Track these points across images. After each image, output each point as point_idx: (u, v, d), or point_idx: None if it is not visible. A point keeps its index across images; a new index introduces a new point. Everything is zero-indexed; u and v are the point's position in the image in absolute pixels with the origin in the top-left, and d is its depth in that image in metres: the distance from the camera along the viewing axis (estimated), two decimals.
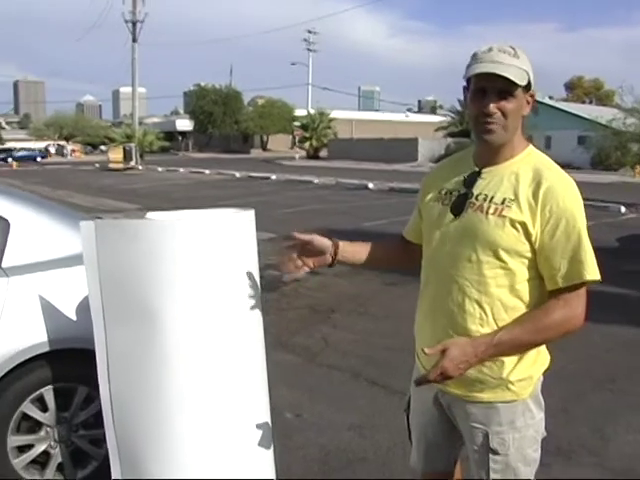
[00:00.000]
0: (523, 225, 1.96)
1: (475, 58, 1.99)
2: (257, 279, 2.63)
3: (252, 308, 2.60)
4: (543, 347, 2.15)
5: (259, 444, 2.65)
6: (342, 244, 2.29)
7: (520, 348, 2.03)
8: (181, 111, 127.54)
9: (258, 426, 2.63)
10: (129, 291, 2.44)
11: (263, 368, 2.66)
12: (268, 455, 2.74)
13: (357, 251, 2.36)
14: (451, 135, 52.13)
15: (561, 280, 1.96)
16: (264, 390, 2.66)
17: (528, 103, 2.03)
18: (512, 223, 1.97)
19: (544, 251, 1.97)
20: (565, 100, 68.02)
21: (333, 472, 3.74)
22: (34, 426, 3.30)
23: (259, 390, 2.60)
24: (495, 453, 2.12)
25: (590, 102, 67.30)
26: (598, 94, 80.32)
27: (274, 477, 2.78)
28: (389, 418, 4.38)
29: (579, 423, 4.31)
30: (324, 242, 2.24)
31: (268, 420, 2.71)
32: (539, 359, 2.13)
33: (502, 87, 1.94)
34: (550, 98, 53.53)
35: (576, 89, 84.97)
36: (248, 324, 2.57)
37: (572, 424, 4.31)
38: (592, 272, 1.95)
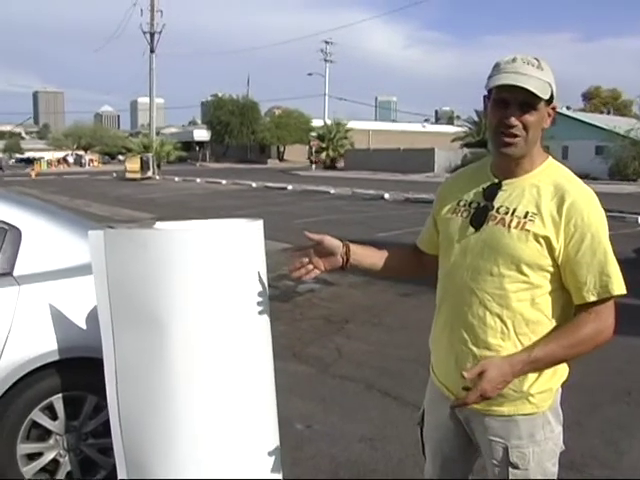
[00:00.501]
0: (546, 239, 1.94)
1: (498, 68, 1.96)
2: (266, 289, 2.62)
3: (260, 318, 2.59)
4: None
5: (266, 454, 2.64)
6: (353, 246, 2.28)
7: (554, 364, 2.02)
8: (199, 121, 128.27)
9: (265, 436, 2.62)
10: (138, 300, 2.44)
11: (271, 377, 2.65)
12: (276, 466, 2.72)
13: (368, 255, 2.34)
14: (468, 145, 52.02)
15: (589, 295, 1.95)
16: (272, 399, 2.65)
17: (549, 116, 2.00)
18: (535, 237, 1.95)
19: (569, 265, 1.95)
20: (582, 110, 67.78)
21: None
22: (44, 434, 3.31)
23: (266, 399, 2.59)
24: (515, 467, 2.09)
25: (608, 112, 66.89)
26: (616, 104, 79.86)
27: None
28: (401, 430, 4.35)
29: (593, 436, 4.26)
30: (334, 242, 2.23)
31: (276, 430, 2.70)
32: (558, 371, 2.10)
33: (524, 99, 1.91)
34: (567, 108, 53.31)
35: (594, 99, 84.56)
36: (256, 334, 2.56)
37: (586, 437, 4.25)
38: (619, 286, 1.95)
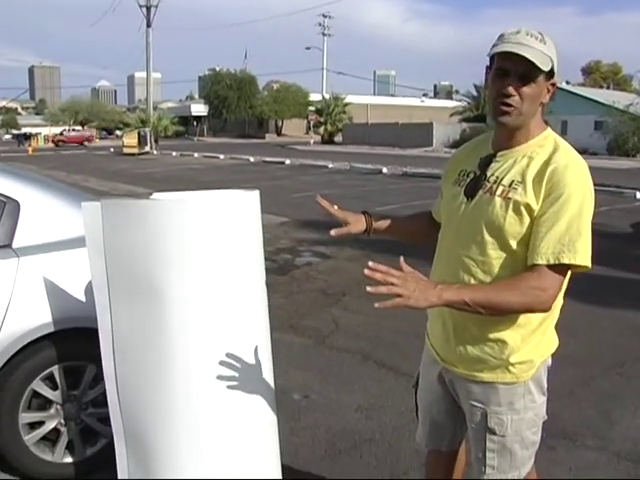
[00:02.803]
0: (527, 207, 1.95)
1: (501, 38, 1.97)
2: (262, 259, 2.65)
3: (257, 288, 2.62)
4: (550, 331, 2.14)
5: (264, 425, 2.68)
6: (375, 224, 2.46)
7: (487, 305, 1.90)
8: (196, 96, 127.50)
9: (263, 406, 2.66)
10: (135, 271, 2.46)
11: (268, 348, 2.68)
12: (272, 434, 2.77)
13: (387, 221, 2.51)
14: (466, 120, 51.82)
15: (538, 257, 1.91)
16: (269, 368, 2.68)
17: (549, 91, 2.01)
18: (516, 205, 1.96)
19: (535, 226, 1.94)
20: (582, 85, 67.40)
21: (340, 453, 3.77)
22: (44, 404, 3.35)
23: (263, 368, 2.61)
24: (492, 433, 2.14)
25: (608, 87, 66.51)
26: (616, 79, 79.38)
27: (278, 455, 2.81)
28: (396, 399, 4.42)
29: (586, 406, 4.32)
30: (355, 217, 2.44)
31: (273, 399, 2.73)
32: (543, 343, 2.12)
33: (524, 71, 1.92)
34: (567, 83, 53.02)
35: (593, 73, 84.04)
36: (252, 303, 2.60)
37: (579, 407, 4.32)
38: (571, 256, 1.88)
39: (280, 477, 2.83)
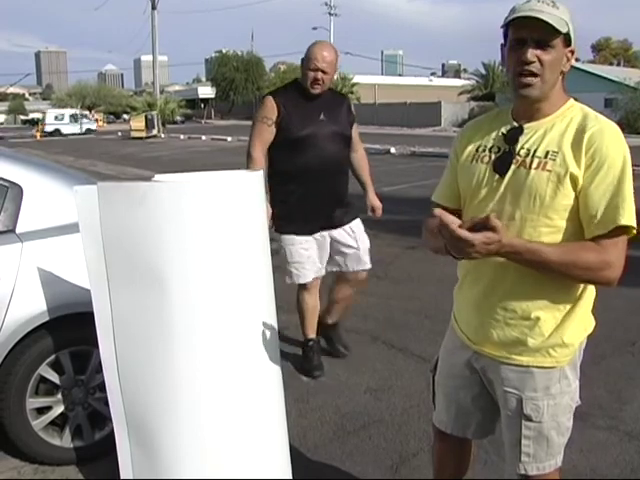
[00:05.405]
0: (570, 176, 1.89)
1: (513, 10, 1.93)
2: (267, 240, 2.61)
3: (260, 270, 2.58)
4: (588, 311, 2.10)
5: (270, 407, 2.66)
6: None
7: (540, 267, 1.90)
8: (203, 78, 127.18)
9: (269, 389, 2.64)
10: (135, 256, 2.42)
11: (274, 329, 2.64)
12: (280, 417, 2.75)
13: None
14: (475, 99, 51.50)
15: (596, 228, 1.88)
16: (275, 350, 2.65)
17: (568, 59, 1.97)
18: (557, 176, 1.90)
19: (582, 198, 1.90)
20: (592, 62, 66.77)
21: (348, 435, 3.75)
22: (52, 389, 3.35)
23: (269, 351, 2.58)
24: (528, 419, 2.09)
25: (618, 64, 65.84)
26: (626, 55, 78.63)
27: (286, 438, 2.80)
28: (405, 381, 4.40)
29: (597, 385, 4.27)
30: None
31: (280, 381, 2.71)
32: (582, 324, 2.08)
33: (540, 36, 1.87)
34: (576, 60, 52.41)
35: (603, 50, 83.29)
36: (256, 286, 2.56)
37: (590, 386, 4.25)
38: (627, 218, 1.86)
39: (288, 461, 2.81)
